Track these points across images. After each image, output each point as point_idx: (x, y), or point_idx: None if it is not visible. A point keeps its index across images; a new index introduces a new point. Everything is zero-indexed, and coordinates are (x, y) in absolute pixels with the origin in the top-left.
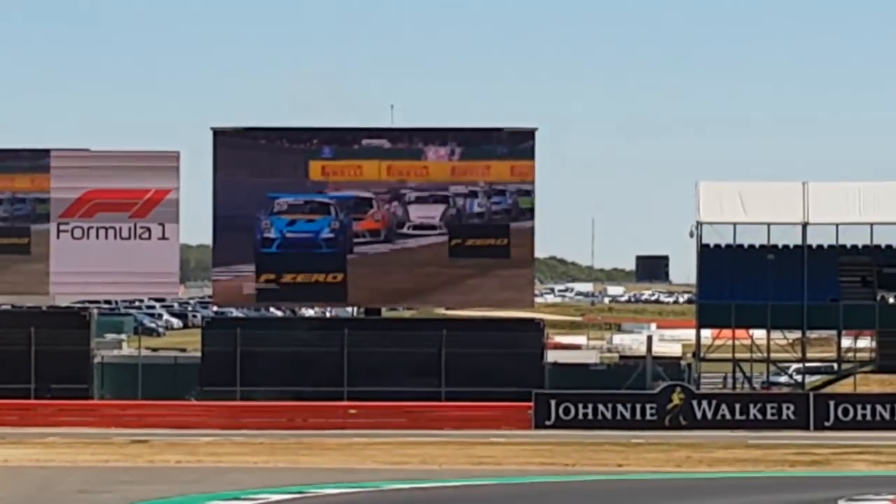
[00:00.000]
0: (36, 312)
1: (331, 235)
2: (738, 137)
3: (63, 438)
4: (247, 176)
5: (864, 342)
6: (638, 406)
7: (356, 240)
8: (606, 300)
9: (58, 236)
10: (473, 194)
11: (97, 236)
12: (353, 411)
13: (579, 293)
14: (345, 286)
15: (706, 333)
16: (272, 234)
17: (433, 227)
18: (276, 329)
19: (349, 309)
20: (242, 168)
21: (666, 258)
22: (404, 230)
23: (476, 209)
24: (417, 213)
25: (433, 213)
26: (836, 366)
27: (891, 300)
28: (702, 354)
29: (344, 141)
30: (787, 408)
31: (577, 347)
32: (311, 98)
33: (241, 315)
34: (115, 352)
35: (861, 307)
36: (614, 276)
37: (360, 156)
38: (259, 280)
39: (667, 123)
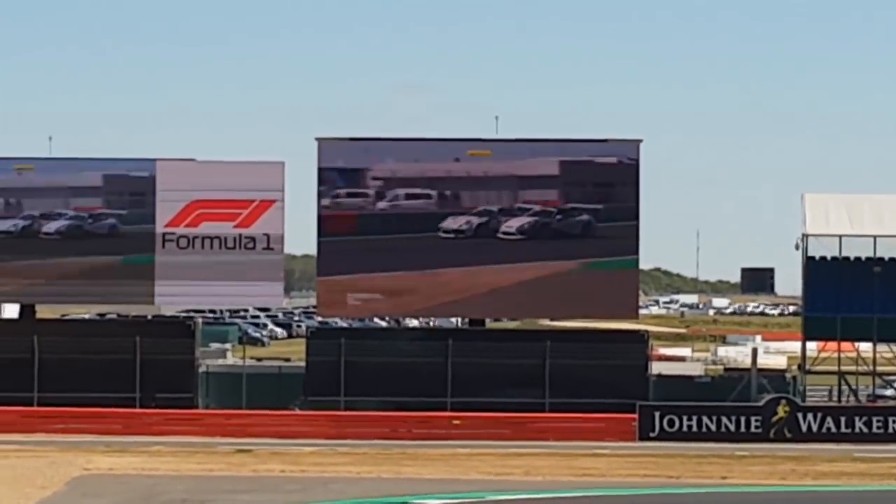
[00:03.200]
0: (141, 322)
1: None
2: (845, 149)
3: (167, 447)
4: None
5: None
6: (743, 418)
7: None
8: (711, 312)
9: (163, 246)
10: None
11: (202, 246)
12: (456, 422)
13: (684, 305)
14: None
15: (812, 346)
16: None
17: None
18: (379, 339)
19: (453, 319)
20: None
21: (771, 270)
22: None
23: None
24: (519, 221)
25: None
26: None
27: None
28: (807, 367)
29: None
30: (894, 421)
31: (681, 359)
32: (413, 108)
33: (345, 325)
34: (220, 361)
35: None
36: (719, 287)
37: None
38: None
39: (773, 135)
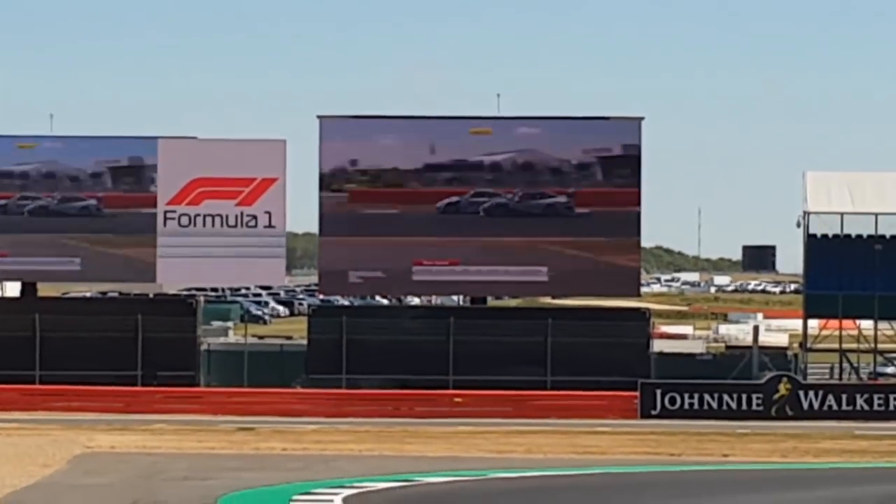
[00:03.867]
0: (143, 300)
1: None
2: (846, 127)
3: (169, 425)
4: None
5: None
6: (744, 396)
7: None
8: (713, 290)
9: (164, 224)
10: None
11: (204, 224)
12: (458, 400)
13: (686, 283)
14: None
15: (813, 324)
16: None
17: None
18: (381, 317)
19: (454, 297)
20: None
21: (773, 248)
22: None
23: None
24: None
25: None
26: None
27: None
28: (809, 345)
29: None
30: (895, 398)
31: (683, 337)
32: (416, 87)
33: (346, 303)
34: (222, 339)
35: None
36: (721, 265)
37: None
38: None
39: (774, 112)
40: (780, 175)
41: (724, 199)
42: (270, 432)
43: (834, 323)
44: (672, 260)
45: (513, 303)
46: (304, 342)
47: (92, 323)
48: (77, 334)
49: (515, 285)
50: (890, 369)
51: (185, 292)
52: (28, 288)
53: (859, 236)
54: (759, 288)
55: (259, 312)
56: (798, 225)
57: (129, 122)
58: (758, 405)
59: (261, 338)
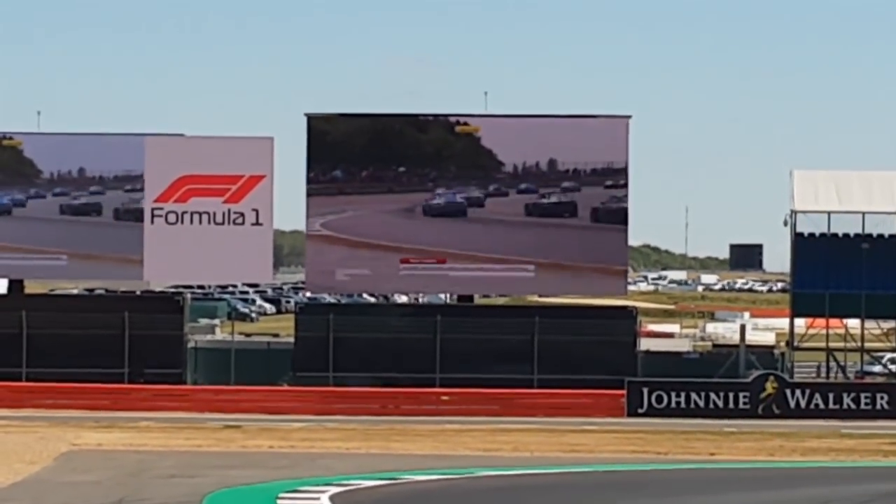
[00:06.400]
0: (130, 297)
1: None
2: (833, 125)
3: (156, 423)
4: None
5: None
6: (731, 395)
7: None
8: (700, 288)
9: (152, 221)
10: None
11: (191, 221)
12: (445, 398)
13: (673, 281)
14: None
15: (800, 322)
16: None
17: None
18: (368, 315)
19: (442, 295)
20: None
21: (760, 247)
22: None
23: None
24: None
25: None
26: None
27: None
28: (795, 343)
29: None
30: (881, 397)
31: (670, 336)
32: (403, 84)
33: (333, 301)
34: (209, 337)
35: None
36: (708, 264)
37: None
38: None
39: (761, 111)
40: (767, 173)
41: (711, 197)
42: (257, 430)
43: (821, 321)
44: (659, 258)
45: (500, 301)
46: (292, 340)
47: (79, 320)
48: (64, 331)
49: (502, 283)
50: (877, 368)
51: (172, 289)
52: (15, 285)
53: (846, 235)
54: (746, 286)
55: (246, 310)
56: (785, 223)
57: (115, 119)
58: (745, 404)
59: (248, 335)
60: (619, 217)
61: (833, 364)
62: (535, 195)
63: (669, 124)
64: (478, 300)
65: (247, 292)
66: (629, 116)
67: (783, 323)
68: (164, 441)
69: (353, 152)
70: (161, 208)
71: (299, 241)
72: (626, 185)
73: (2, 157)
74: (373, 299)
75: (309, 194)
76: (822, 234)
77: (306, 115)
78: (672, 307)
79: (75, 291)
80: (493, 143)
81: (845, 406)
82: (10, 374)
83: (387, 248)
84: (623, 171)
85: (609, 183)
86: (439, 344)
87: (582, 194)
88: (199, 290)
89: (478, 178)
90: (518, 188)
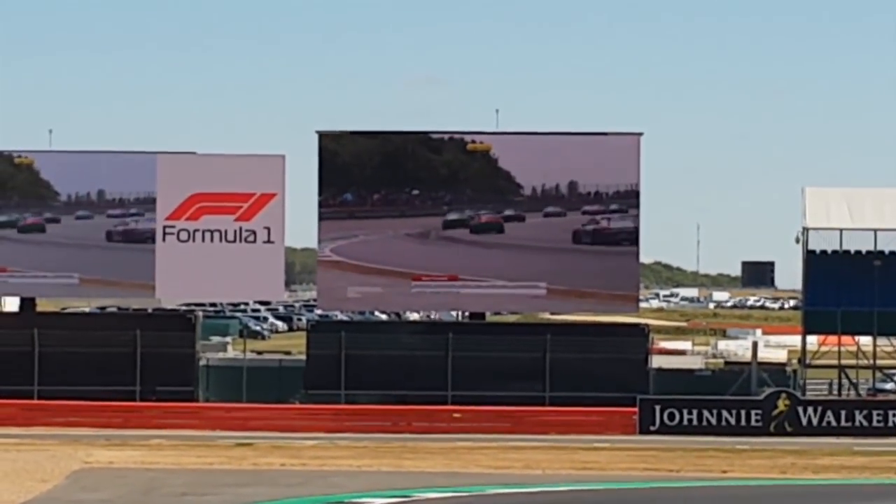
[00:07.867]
0: (142, 315)
1: None
2: (846, 142)
3: (167, 441)
4: None
5: None
6: (743, 412)
7: None
8: (711, 306)
9: (163, 239)
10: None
11: (203, 239)
12: (457, 415)
13: (684, 298)
14: None
15: (812, 340)
16: None
17: None
18: (380, 333)
19: (453, 313)
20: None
21: (772, 264)
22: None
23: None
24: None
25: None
26: None
27: None
28: (807, 361)
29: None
30: (894, 415)
31: (682, 353)
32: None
33: (345, 318)
34: (221, 354)
35: None
36: (719, 281)
37: None
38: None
39: (774, 128)
40: (779, 191)
41: (723, 214)
42: (269, 448)
43: (833, 339)
44: (671, 275)
45: (511, 318)
46: (303, 357)
47: (90, 338)
48: (76, 349)
49: (514, 300)
50: (889, 385)
51: (183, 307)
52: (27, 303)
53: (858, 252)
54: (758, 304)
55: (258, 328)
56: (797, 241)
57: (128, 137)
58: (756, 421)
59: (259, 353)
60: (630, 238)
61: (845, 381)
62: (562, 217)
63: (681, 142)
64: (489, 318)
65: (258, 310)
66: (641, 133)
67: (795, 340)
68: (175, 459)
69: (364, 174)
70: (173, 226)
71: (311, 259)
72: (638, 206)
73: (16, 177)
74: (384, 317)
75: (321, 218)
76: (834, 252)
77: (317, 132)
78: (684, 324)
79: (87, 309)
80: (510, 164)
81: (857, 423)
82: (22, 391)
83: (399, 274)
84: (635, 193)
85: (623, 205)
86: (451, 361)
87: (591, 210)
88: (211, 308)
89: (494, 202)
90: (545, 211)
